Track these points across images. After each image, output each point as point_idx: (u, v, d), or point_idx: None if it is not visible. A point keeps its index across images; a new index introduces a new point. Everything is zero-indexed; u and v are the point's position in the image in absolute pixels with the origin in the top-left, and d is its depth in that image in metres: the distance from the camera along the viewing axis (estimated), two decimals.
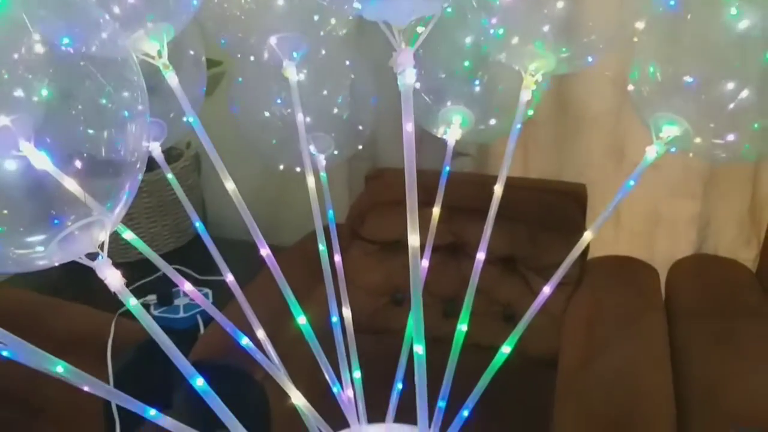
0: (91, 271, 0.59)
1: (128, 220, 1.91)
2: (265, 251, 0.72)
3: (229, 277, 0.82)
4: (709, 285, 1.46)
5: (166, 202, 1.93)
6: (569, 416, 1.07)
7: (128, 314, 1.60)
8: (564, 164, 1.82)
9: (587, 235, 0.73)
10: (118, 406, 1.31)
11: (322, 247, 0.76)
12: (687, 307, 1.38)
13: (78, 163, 0.54)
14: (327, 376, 0.68)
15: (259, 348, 0.75)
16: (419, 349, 0.63)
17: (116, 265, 0.59)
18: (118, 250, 1.57)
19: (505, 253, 1.57)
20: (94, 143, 0.57)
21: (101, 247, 0.58)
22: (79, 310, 1.47)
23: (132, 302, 0.58)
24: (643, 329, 1.26)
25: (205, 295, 1.64)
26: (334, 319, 0.75)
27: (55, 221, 0.55)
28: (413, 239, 0.64)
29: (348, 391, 0.70)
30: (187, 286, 0.69)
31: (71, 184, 0.53)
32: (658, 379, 1.09)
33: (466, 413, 0.68)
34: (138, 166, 0.60)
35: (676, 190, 1.72)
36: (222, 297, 1.56)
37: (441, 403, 0.67)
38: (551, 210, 1.59)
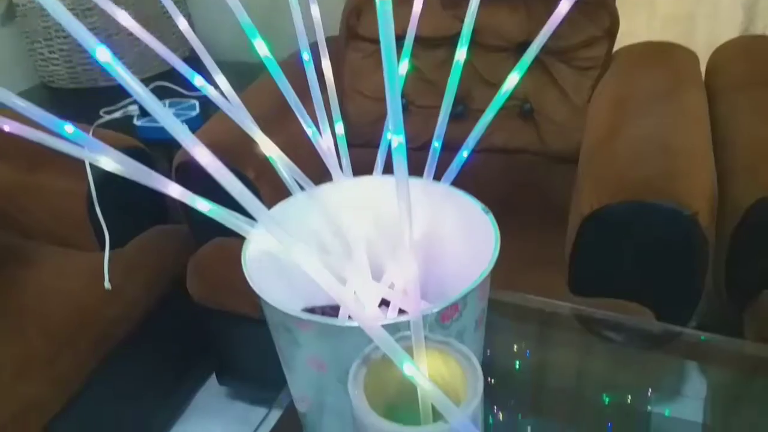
0: None
1: (106, 37, 1.79)
2: (263, 52, 0.59)
3: (220, 78, 0.69)
4: (757, 62, 1.31)
5: (150, 17, 1.79)
6: (592, 180, 0.97)
7: (106, 125, 1.56)
8: None
9: None
10: (104, 216, 1.26)
11: (306, 55, 0.63)
12: (730, 83, 1.25)
13: None
14: (302, 121, 0.58)
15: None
16: (398, 140, 0.52)
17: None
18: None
19: (520, 39, 1.43)
20: None
21: None
22: None
23: None
24: (681, 102, 1.14)
25: (191, 107, 1.54)
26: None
27: None
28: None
29: (327, 140, 0.61)
30: None
31: None
32: (697, 142, 0.99)
33: (465, 154, 0.58)
34: None
35: None
36: (210, 113, 1.48)
37: (436, 143, 0.57)
38: None
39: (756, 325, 0.94)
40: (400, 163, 0.40)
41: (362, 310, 0.39)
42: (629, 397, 0.70)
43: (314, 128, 0.62)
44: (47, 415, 1.05)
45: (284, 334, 0.50)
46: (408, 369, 0.38)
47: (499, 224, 0.54)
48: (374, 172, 0.67)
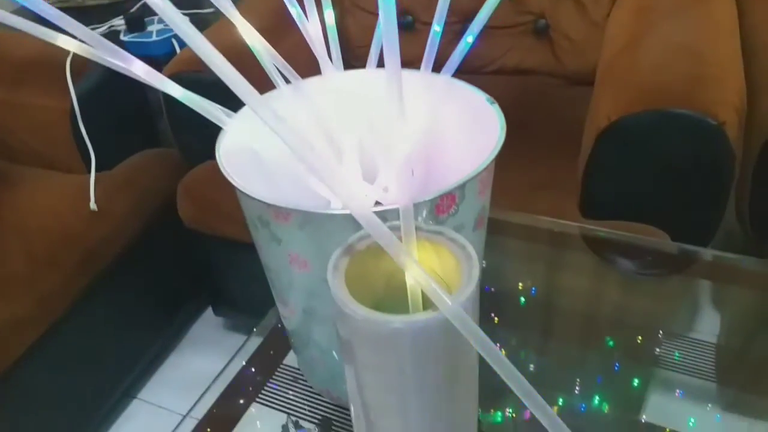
0: None
1: None
2: None
3: None
4: None
5: None
6: (610, 90, 0.91)
7: None
8: None
9: None
10: (91, 138, 1.22)
11: None
12: None
13: None
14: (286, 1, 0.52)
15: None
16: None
17: None
18: None
19: None
20: None
21: None
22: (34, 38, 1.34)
23: None
24: (709, 9, 1.06)
25: None
26: None
27: None
28: None
29: (315, 26, 0.55)
30: None
31: None
32: (726, 50, 0.92)
33: (470, 39, 0.52)
34: None
35: None
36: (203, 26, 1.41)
37: (436, 26, 0.52)
38: None
39: None
40: (389, 20, 0.35)
41: (349, 191, 0.35)
42: (641, 323, 0.66)
43: (299, 8, 0.56)
44: (30, 336, 1.03)
45: (263, 230, 0.45)
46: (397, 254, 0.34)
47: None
48: (368, 66, 0.62)
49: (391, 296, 0.39)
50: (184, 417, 0.61)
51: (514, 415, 0.57)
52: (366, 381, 0.36)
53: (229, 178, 0.44)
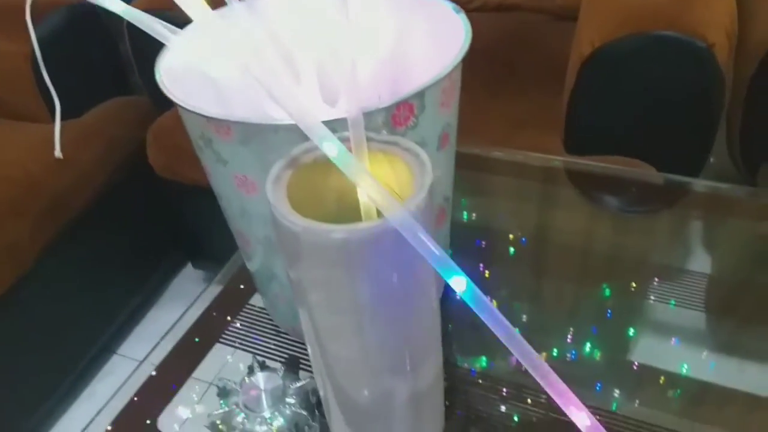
0: None
1: None
2: None
3: None
4: None
5: None
6: (594, 15, 0.87)
7: None
8: None
9: None
10: (57, 85, 1.17)
11: None
12: None
13: None
14: None
15: None
16: None
17: None
18: None
19: None
20: None
21: None
22: None
23: None
24: None
25: None
26: None
27: None
28: None
29: None
30: None
31: None
32: None
33: None
34: None
35: None
36: None
37: None
38: None
39: None
40: None
41: (298, 103, 0.31)
42: (632, 260, 0.64)
43: None
44: None
45: (207, 151, 0.42)
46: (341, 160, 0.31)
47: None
48: None
49: (345, 218, 0.36)
50: (140, 363, 0.59)
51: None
52: (313, 301, 0.34)
53: (168, 94, 0.41)
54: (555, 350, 0.55)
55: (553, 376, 0.28)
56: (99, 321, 1.28)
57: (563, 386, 0.28)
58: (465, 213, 0.72)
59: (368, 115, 0.37)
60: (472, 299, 0.28)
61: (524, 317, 0.59)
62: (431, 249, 0.29)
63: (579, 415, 0.28)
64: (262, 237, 0.47)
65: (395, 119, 0.38)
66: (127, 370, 0.58)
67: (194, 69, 0.48)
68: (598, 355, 0.54)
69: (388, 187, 0.36)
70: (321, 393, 0.44)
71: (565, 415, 0.28)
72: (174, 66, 0.45)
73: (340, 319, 0.34)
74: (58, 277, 1.15)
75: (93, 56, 1.29)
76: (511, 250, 0.66)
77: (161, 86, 0.41)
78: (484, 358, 0.55)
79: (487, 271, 0.63)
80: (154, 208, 1.35)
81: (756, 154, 0.89)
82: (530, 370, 0.28)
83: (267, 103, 0.46)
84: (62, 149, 1.11)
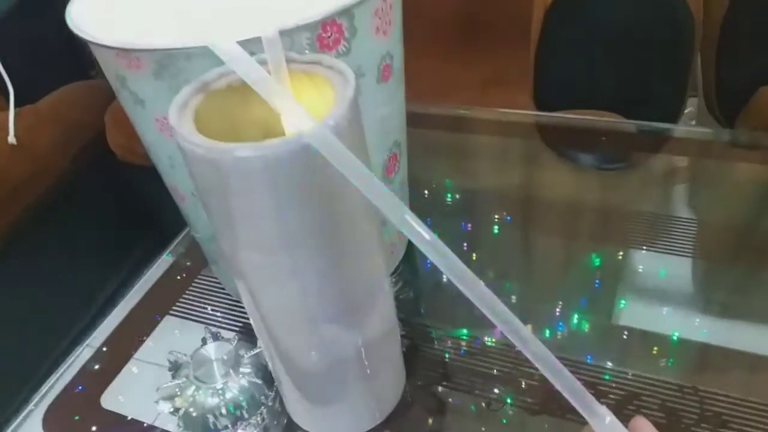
0: None
1: None
2: None
3: None
4: None
5: None
6: None
7: None
8: None
9: None
10: (11, 71, 1.13)
11: None
12: None
13: None
14: None
15: None
16: None
17: None
18: None
19: None
20: None
21: None
22: None
23: None
24: None
25: None
26: None
27: None
28: None
29: None
30: None
31: None
32: None
33: None
34: None
35: None
36: None
37: None
38: None
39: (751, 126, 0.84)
40: None
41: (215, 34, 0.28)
42: (616, 213, 0.61)
43: None
44: None
45: (124, 92, 0.39)
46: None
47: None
48: None
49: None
50: (88, 340, 0.56)
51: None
52: (234, 240, 0.30)
53: (77, 31, 0.37)
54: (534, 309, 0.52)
55: (500, 306, 0.25)
56: (69, 313, 1.24)
57: (507, 312, 0.25)
58: (432, 172, 0.69)
59: (290, 36, 0.33)
60: (411, 233, 0.25)
61: (505, 274, 0.56)
62: (356, 169, 0.25)
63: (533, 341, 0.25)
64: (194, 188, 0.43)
65: (322, 41, 0.35)
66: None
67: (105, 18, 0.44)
68: (563, 303, 0.52)
69: (314, 112, 0.32)
70: (266, 355, 0.41)
71: (532, 366, 0.25)
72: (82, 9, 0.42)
73: (264, 259, 0.31)
74: (22, 266, 1.11)
75: (47, 39, 1.25)
76: (486, 209, 0.63)
77: (70, 26, 0.38)
78: (446, 315, 0.52)
79: (463, 230, 0.60)
80: (121, 195, 1.31)
81: (733, 100, 0.86)
82: (474, 300, 0.25)
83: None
84: (17, 135, 1.07)
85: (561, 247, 0.58)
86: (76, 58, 1.33)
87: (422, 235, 0.24)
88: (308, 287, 0.32)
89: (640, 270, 0.54)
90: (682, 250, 0.55)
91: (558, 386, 0.26)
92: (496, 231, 0.60)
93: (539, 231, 0.60)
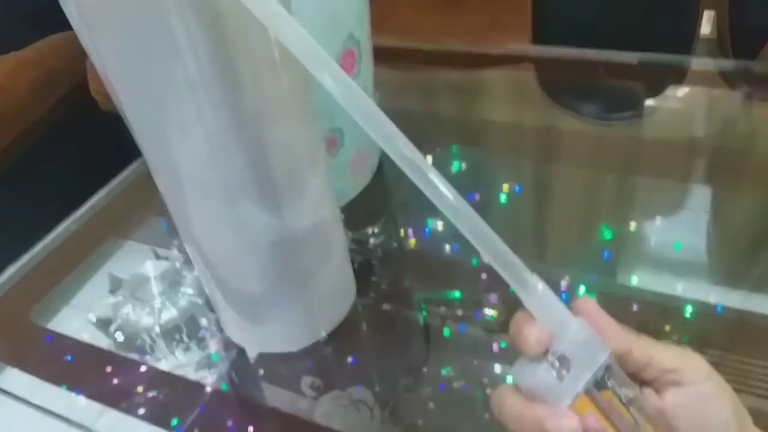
0: None
1: None
2: None
3: None
4: None
5: None
6: None
7: None
8: None
9: None
10: None
11: None
12: None
13: None
14: None
15: None
16: None
17: None
18: None
19: None
20: None
21: None
22: None
23: None
24: None
25: None
26: None
27: None
28: None
29: None
30: None
31: None
32: None
33: None
34: None
35: None
36: None
37: None
38: None
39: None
40: None
41: None
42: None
43: None
44: None
45: None
46: None
47: None
48: None
49: None
50: (27, 254, 0.52)
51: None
52: (129, 89, 0.26)
53: None
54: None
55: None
56: None
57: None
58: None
59: None
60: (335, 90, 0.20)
61: (511, 231, 0.51)
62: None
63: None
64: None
65: None
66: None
67: None
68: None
69: None
70: (188, 250, 0.36)
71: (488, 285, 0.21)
72: None
73: (166, 109, 0.26)
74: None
75: None
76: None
77: None
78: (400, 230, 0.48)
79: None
80: (101, 143, 1.28)
81: (748, 44, 0.80)
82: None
83: None
84: None
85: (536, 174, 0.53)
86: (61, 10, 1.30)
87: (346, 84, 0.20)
88: (215, 145, 0.28)
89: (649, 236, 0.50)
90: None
91: (487, 256, 0.22)
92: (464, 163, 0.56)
93: (524, 162, 0.56)
